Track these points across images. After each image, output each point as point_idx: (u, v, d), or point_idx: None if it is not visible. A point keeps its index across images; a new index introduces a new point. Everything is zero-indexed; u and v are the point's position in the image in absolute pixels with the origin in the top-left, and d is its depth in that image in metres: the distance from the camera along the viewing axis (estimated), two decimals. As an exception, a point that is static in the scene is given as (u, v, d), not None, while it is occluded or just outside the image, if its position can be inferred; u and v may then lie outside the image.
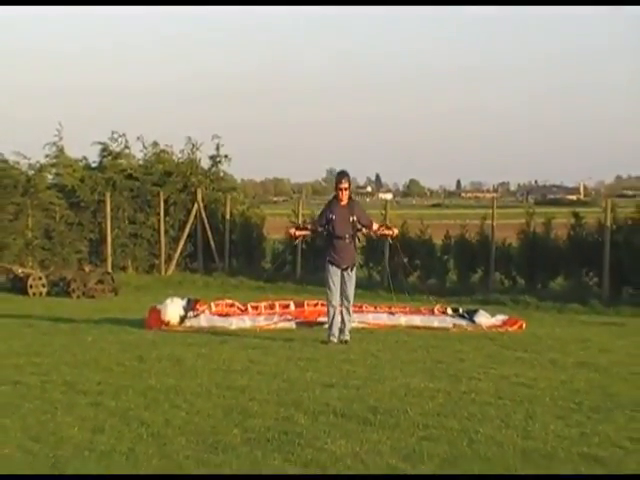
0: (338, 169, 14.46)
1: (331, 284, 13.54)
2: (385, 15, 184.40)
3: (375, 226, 14.65)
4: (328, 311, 13.72)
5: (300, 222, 23.96)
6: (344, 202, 13.66)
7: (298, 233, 16.32)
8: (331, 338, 13.44)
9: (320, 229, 14.00)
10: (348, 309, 13.69)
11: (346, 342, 13.37)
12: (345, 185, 13.69)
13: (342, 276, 13.59)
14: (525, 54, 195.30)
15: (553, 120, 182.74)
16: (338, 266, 13.58)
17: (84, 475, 6.52)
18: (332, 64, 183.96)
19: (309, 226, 15.58)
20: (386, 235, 16.09)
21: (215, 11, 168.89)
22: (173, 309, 15.08)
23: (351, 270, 13.72)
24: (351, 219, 13.62)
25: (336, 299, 13.53)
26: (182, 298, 15.75)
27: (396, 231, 16.28)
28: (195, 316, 15.28)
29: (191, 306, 15.54)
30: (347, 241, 13.63)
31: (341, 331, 13.56)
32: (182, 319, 15.04)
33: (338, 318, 13.55)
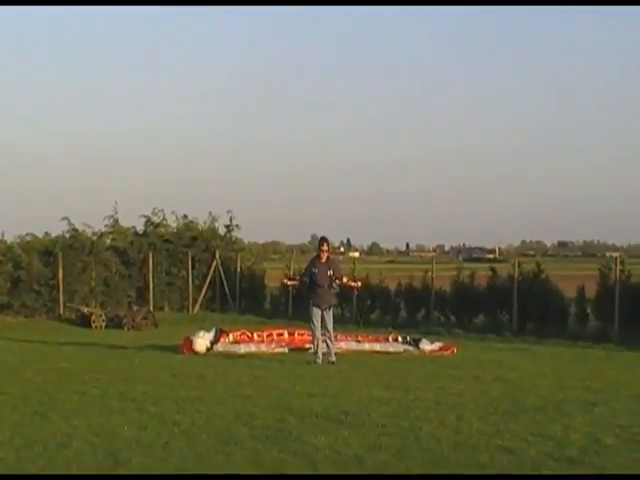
0: (320, 235, 14.52)
1: (314, 321, 13.56)
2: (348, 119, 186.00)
3: (344, 279, 14.69)
4: (313, 341, 13.72)
5: (291, 274, 24.00)
6: (324, 260, 13.72)
7: (289, 283, 16.48)
8: (316, 360, 13.40)
9: (305, 279, 14.04)
10: (330, 338, 13.67)
11: (333, 363, 13.29)
12: (325, 248, 13.76)
13: (322, 314, 13.61)
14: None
15: (477, 201, 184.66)
16: (319, 307, 13.60)
17: (85, 475, 6.47)
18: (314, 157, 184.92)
19: (297, 277, 15.64)
20: (351, 287, 16.14)
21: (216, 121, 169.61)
22: (201, 342, 14.95)
23: (329, 309, 13.74)
24: (329, 273, 13.68)
25: (319, 331, 13.53)
26: (210, 330, 15.56)
27: (360, 284, 16.37)
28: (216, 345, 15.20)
29: (217, 338, 15.41)
30: (326, 288, 13.67)
31: (328, 354, 13.51)
32: (208, 349, 14.94)
33: (321, 345, 13.54)
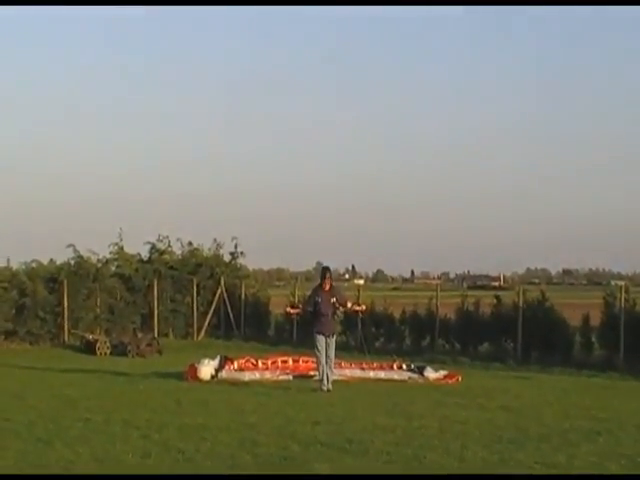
0: (324, 263, 14.72)
1: (319, 347, 13.61)
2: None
3: (349, 304, 14.82)
4: (318, 368, 13.74)
5: (295, 302, 23.97)
6: (327, 289, 13.84)
7: (293, 311, 16.57)
8: (322, 387, 13.41)
9: (309, 308, 14.13)
10: (330, 366, 13.70)
11: (329, 390, 13.33)
12: (328, 277, 13.91)
13: (326, 341, 13.66)
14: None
15: (482, 228, 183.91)
16: (323, 334, 13.66)
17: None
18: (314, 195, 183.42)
19: (300, 306, 15.72)
20: (357, 311, 16.22)
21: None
22: (206, 370, 14.95)
23: (332, 337, 13.81)
24: (332, 301, 13.80)
25: (324, 358, 13.57)
26: (215, 358, 15.52)
27: (364, 307, 16.46)
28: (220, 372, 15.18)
29: (222, 365, 15.39)
30: (329, 317, 13.80)
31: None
32: (212, 377, 14.92)
33: (325, 372, 13.56)
